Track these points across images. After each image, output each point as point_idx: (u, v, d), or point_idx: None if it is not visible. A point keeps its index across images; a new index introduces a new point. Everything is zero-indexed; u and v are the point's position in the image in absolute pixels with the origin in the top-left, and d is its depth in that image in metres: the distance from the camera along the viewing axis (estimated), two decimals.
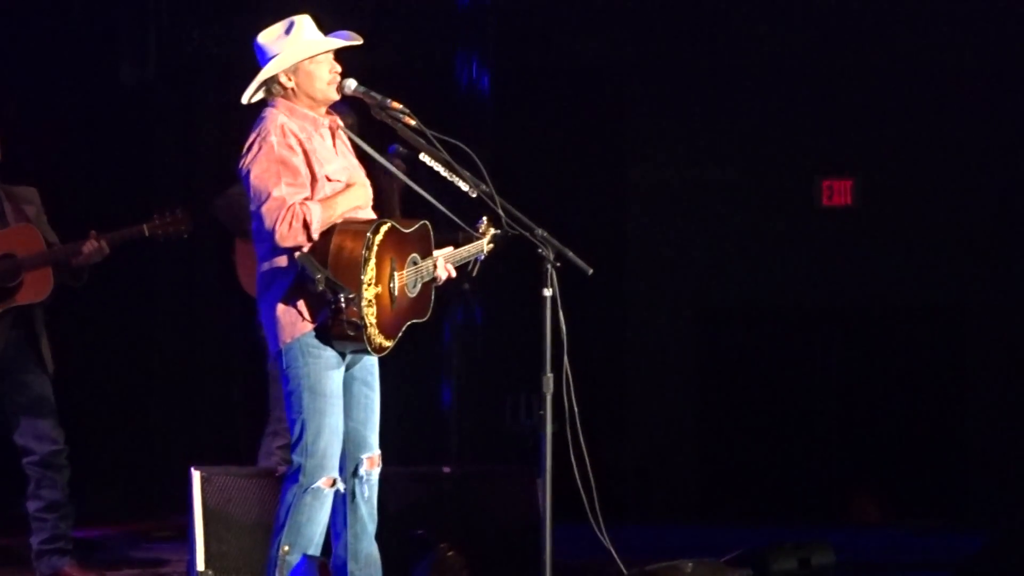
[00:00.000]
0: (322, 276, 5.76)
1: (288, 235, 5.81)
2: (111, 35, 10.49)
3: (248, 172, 5.91)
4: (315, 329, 5.87)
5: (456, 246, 6.28)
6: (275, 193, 5.82)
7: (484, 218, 6.19)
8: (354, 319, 5.75)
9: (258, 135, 5.94)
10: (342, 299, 5.73)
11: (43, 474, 7.68)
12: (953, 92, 10.69)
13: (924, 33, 10.60)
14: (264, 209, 5.83)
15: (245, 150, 5.96)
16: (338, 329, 5.80)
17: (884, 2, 10.62)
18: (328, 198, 5.92)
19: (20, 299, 7.57)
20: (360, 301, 5.77)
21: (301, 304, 5.87)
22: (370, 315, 5.82)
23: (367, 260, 5.82)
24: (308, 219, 5.80)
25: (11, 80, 9.78)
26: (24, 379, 7.67)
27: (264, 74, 6.03)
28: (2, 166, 7.74)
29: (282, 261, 5.90)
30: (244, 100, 6.11)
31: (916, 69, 10.69)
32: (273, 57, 6.01)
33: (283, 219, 5.79)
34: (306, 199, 5.84)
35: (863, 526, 10.44)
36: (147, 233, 7.69)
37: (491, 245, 6.30)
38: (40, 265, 7.59)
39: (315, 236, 5.83)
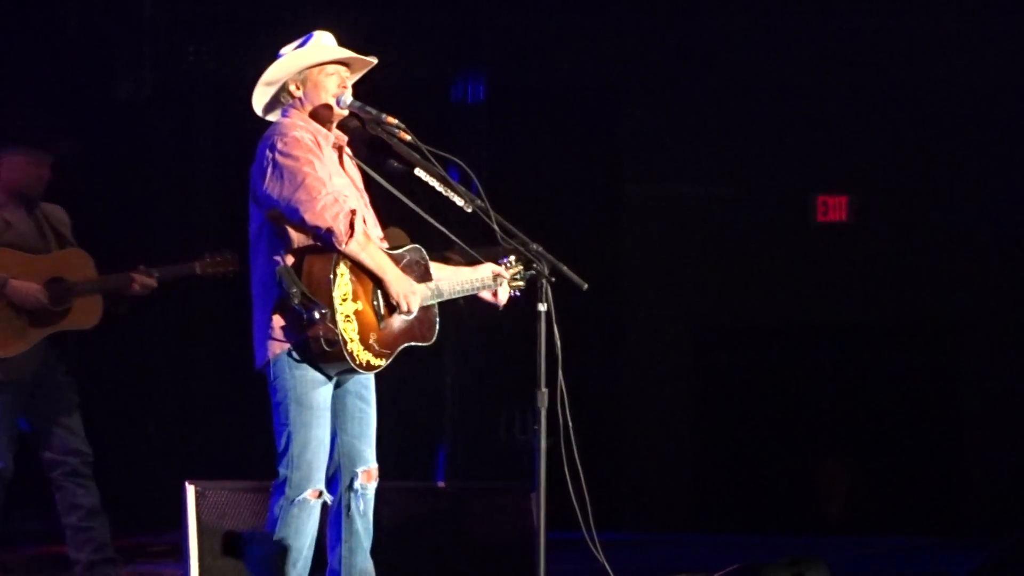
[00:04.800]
0: (298, 291, 5.72)
1: (347, 232, 5.71)
2: (106, 51, 10.49)
3: (277, 161, 5.80)
4: (299, 342, 5.86)
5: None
6: (323, 191, 5.73)
7: (512, 256, 6.15)
8: (328, 335, 5.72)
9: (278, 133, 5.87)
10: (315, 314, 5.71)
11: (77, 483, 7.67)
12: (947, 109, 10.73)
13: (919, 52, 10.63)
14: (319, 206, 5.71)
15: (267, 147, 5.85)
16: (316, 346, 5.76)
17: (878, 21, 10.65)
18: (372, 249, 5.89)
19: (67, 324, 7.59)
20: (333, 316, 5.74)
21: (291, 317, 5.85)
22: (348, 331, 5.76)
23: (337, 275, 5.76)
24: (354, 221, 5.73)
25: (5, 95, 9.79)
26: (57, 393, 7.68)
27: (268, 74, 6.01)
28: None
29: (274, 274, 5.87)
30: (257, 109, 6.08)
31: (911, 86, 10.73)
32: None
33: (346, 215, 5.71)
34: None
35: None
36: (199, 271, 7.69)
37: (520, 283, 6.19)
38: (90, 292, 7.62)
39: (354, 238, 5.74)
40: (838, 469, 10.83)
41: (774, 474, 10.83)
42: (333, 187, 5.84)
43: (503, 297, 6.21)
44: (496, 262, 6.20)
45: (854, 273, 10.91)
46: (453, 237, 6.10)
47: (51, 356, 7.61)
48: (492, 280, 6.19)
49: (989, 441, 10.68)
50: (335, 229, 5.72)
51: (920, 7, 10.55)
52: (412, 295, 5.92)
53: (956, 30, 10.56)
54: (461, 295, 6.19)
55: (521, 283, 6.19)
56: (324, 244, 5.78)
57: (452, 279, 6.15)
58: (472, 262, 6.23)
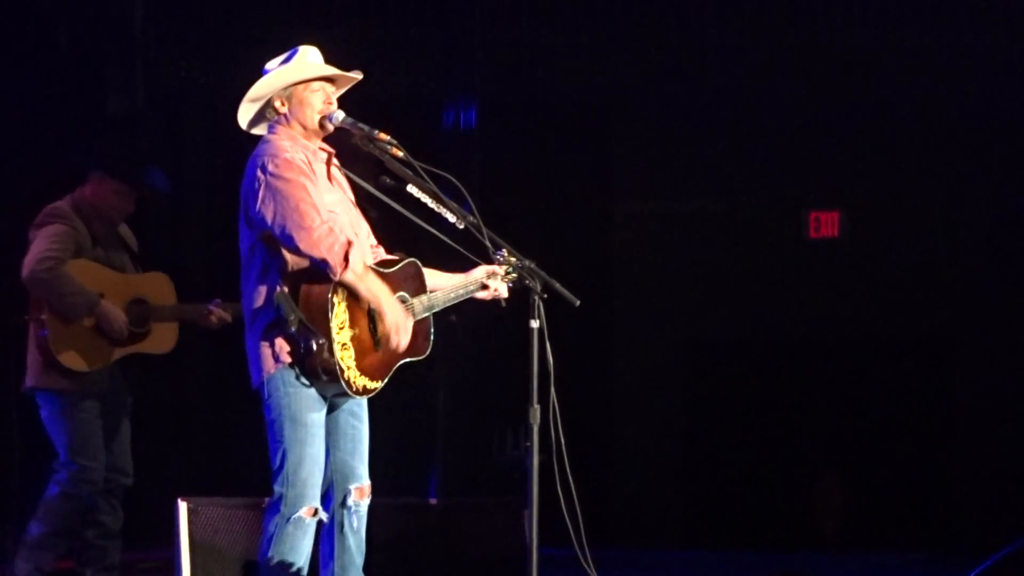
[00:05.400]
0: (295, 317, 5.71)
1: (342, 264, 5.71)
2: (98, 64, 10.47)
3: (270, 184, 5.79)
4: (296, 364, 5.84)
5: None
6: (317, 220, 5.73)
7: (504, 250, 6.11)
8: (326, 365, 5.72)
9: (268, 154, 5.86)
10: (313, 344, 5.70)
11: (109, 502, 7.71)
12: (939, 124, 10.72)
13: (911, 67, 10.62)
14: (315, 235, 5.71)
15: (258, 167, 5.84)
16: (313, 373, 5.78)
17: (870, 36, 10.64)
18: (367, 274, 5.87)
19: (144, 347, 7.66)
20: (331, 346, 5.73)
21: (286, 337, 5.82)
22: (346, 358, 5.76)
23: (335, 303, 5.76)
24: (349, 252, 5.73)
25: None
26: (118, 411, 7.73)
27: (254, 91, 5.99)
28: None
29: (268, 295, 5.86)
30: (242, 124, 6.06)
31: (903, 101, 10.72)
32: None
33: (341, 246, 5.71)
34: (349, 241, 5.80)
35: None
36: None
37: (513, 275, 6.14)
38: (168, 318, 7.68)
39: (351, 266, 5.74)
40: (832, 485, 10.82)
41: (767, 490, 10.80)
42: (326, 207, 5.83)
43: (503, 292, 6.20)
44: (489, 261, 6.18)
45: (847, 289, 10.90)
46: (449, 241, 6.09)
47: (119, 375, 7.68)
48: (487, 279, 6.18)
49: (983, 457, 10.66)
50: (330, 261, 5.71)
51: (913, 22, 10.55)
52: (405, 332, 5.90)
53: (949, 45, 10.55)
54: (457, 301, 6.19)
55: (514, 275, 6.16)
56: (318, 271, 5.77)
57: (447, 287, 6.16)
58: (469, 267, 6.23)
